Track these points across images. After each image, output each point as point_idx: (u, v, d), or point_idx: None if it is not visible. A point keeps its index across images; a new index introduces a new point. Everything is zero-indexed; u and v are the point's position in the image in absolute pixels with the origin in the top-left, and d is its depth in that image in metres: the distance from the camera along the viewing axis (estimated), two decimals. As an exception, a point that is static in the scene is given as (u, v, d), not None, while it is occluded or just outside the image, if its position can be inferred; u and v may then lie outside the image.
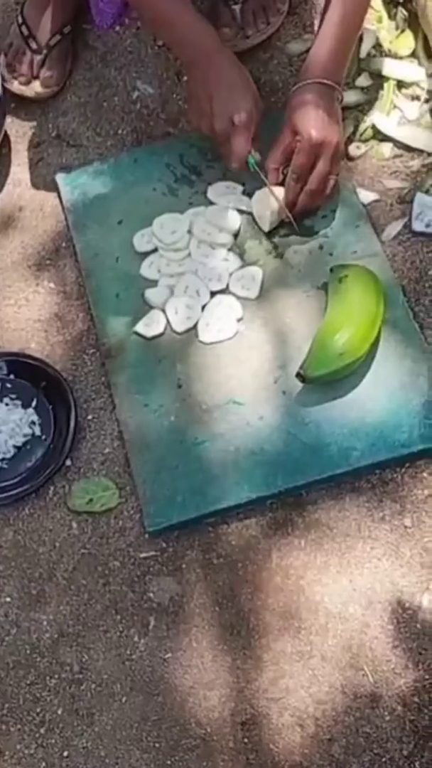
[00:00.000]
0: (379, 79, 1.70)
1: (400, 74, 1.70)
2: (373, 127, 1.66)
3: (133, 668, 1.33)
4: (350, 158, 1.64)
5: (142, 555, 1.40)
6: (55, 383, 1.49)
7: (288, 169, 1.51)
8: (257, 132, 1.53)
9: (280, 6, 1.76)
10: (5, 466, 1.46)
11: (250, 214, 1.58)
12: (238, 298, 1.53)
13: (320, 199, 1.54)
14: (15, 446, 1.47)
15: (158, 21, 1.57)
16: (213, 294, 1.53)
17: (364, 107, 1.68)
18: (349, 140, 1.64)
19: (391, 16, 1.75)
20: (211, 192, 1.61)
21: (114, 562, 1.40)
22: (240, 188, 1.61)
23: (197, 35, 1.53)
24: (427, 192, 1.60)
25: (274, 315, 1.52)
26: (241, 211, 1.58)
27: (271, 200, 1.54)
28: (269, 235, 1.57)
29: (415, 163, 1.64)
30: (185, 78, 1.74)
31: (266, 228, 1.56)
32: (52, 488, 1.45)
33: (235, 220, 1.57)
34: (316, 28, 1.73)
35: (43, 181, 1.70)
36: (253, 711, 1.30)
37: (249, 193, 1.60)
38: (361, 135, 1.66)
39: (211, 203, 1.60)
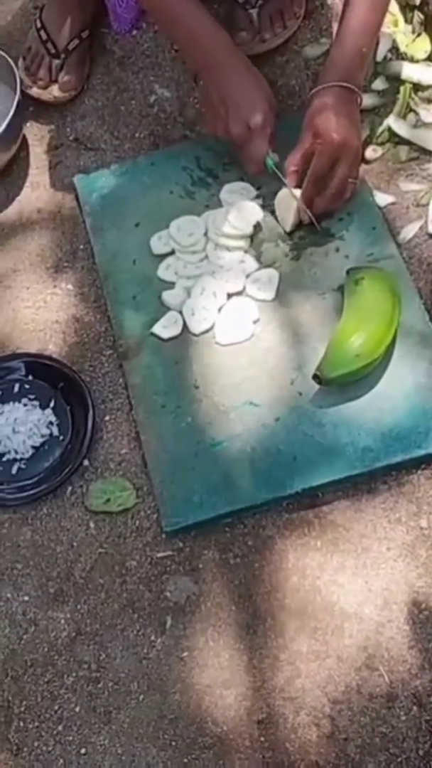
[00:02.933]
0: (395, 82, 1.71)
1: (416, 77, 1.70)
2: (390, 130, 1.67)
3: (150, 667, 1.34)
4: (366, 161, 1.65)
5: (159, 555, 1.40)
6: (73, 384, 1.51)
7: (308, 171, 1.51)
8: (273, 133, 1.54)
9: (297, 10, 1.77)
10: (23, 466, 1.48)
11: (270, 214, 1.59)
12: (255, 300, 1.54)
13: (339, 202, 1.55)
14: (33, 446, 1.48)
15: (172, 25, 1.58)
16: (230, 296, 1.54)
17: (380, 110, 1.69)
18: (366, 143, 1.64)
19: (408, 20, 1.75)
20: (224, 193, 1.62)
21: (131, 561, 1.40)
22: (254, 191, 1.62)
23: (210, 39, 1.54)
24: (443, 195, 1.61)
25: (290, 317, 1.52)
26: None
27: (292, 202, 1.55)
28: (286, 237, 1.58)
29: (431, 166, 1.65)
30: (202, 82, 1.75)
31: (288, 228, 1.57)
32: (69, 488, 1.46)
33: (249, 222, 1.57)
34: (332, 32, 1.74)
35: (61, 183, 1.71)
36: (269, 710, 1.31)
37: (264, 196, 1.61)
38: (377, 138, 1.67)
39: (227, 205, 1.60)
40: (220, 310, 1.53)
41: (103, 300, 1.58)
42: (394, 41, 1.74)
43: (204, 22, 1.54)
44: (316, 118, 1.49)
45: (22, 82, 1.73)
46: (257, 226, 1.58)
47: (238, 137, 1.54)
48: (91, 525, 1.43)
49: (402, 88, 1.70)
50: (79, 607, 1.38)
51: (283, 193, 1.56)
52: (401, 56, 1.73)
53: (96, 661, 1.35)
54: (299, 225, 1.57)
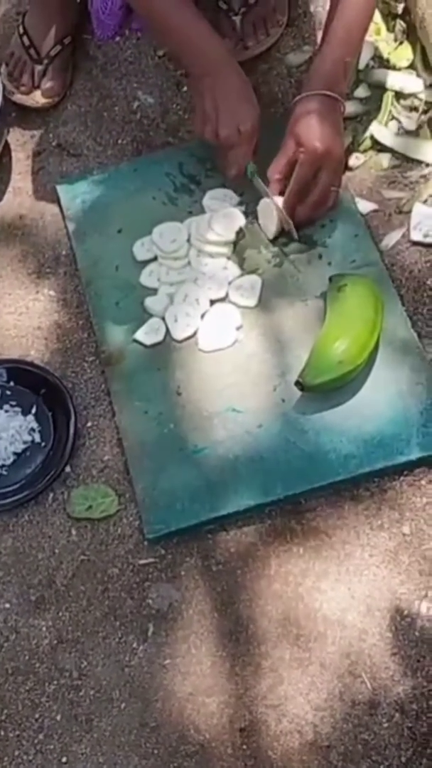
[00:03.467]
0: (377, 90, 1.71)
1: (398, 85, 1.71)
2: (372, 137, 1.68)
3: (131, 674, 1.34)
4: (349, 168, 1.65)
5: (141, 562, 1.40)
6: (55, 390, 1.50)
7: (290, 180, 1.52)
8: (257, 144, 1.55)
9: (280, 18, 1.78)
10: (5, 472, 1.47)
11: (252, 222, 1.59)
12: (238, 306, 1.54)
13: (322, 210, 1.56)
14: (15, 453, 1.48)
15: (167, 30, 1.58)
16: (212, 302, 1.54)
17: (362, 118, 1.69)
18: (348, 151, 1.65)
19: (390, 28, 1.76)
20: (207, 199, 1.62)
21: (113, 568, 1.40)
22: (237, 198, 1.62)
23: (207, 44, 1.54)
24: (425, 202, 1.61)
25: (273, 323, 1.53)
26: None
27: (273, 209, 1.55)
28: (269, 244, 1.58)
29: (414, 174, 1.65)
30: (185, 88, 1.75)
31: (271, 236, 1.57)
32: (51, 495, 1.45)
33: (232, 228, 1.57)
34: (315, 39, 1.74)
35: (43, 189, 1.70)
36: (252, 717, 1.30)
37: (246, 203, 1.61)
38: (359, 145, 1.67)
39: (210, 211, 1.61)
40: (202, 316, 1.53)
41: (85, 306, 1.58)
42: (376, 49, 1.74)
43: (203, 28, 1.54)
44: (299, 126, 1.49)
45: (4, 87, 1.73)
46: (240, 233, 1.58)
47: (227, 140, 1.54)
48: (73, 532, 1.43)
49: (384, 96, 1.70)
50: (60, 614, 1.38)
51: (266, 200, 1.57)
52: (384, 64, 1.73)
53: (77, 668, 1.35)
54: (282, 232, 1.58)
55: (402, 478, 1.43)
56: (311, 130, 1.48)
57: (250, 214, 1.59)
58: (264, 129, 1.56)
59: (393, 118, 1.69)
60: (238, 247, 1.58)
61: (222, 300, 1.54)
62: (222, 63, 1.54)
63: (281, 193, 1.54)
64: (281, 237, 1.58)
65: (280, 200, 1.55)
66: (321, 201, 1.54)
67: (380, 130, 1.68)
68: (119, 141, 1.74)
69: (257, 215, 1.59)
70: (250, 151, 1.55)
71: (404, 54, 1.74)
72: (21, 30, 1.78)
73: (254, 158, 1.56)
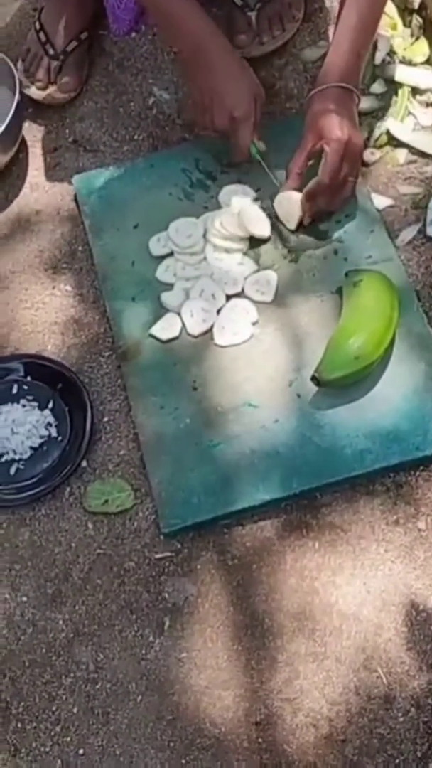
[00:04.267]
0: (393, 85, 1.71)
1: (414, 81, 1.71)
2: (388, 133, 1.68)
3: (148, 668, 1.34)
4: (365, 164, 1.65)
5: (158, 556, 1.40)
6: (72, 385, 1.51)
7: (319, 170, 1.51)
8: (258, 121, 1.55)
9: (296, 13, 1.78)
10: (22, 467, 1.47)
11: (270, 217, 1.59)
12: (254, 301, 1.54)
13: (339, 200, 1.56)
14: (31, 447, 1.48)
15: (163, 18, 1.58)
16: (228, 297, 1.54)
17: (378, 114, 1.69)
18: (364, 146, 1.64)
19: (406, 24, 1.76)
20: (223, 195, 1.62)
21: (129, 562, 1.40)
22: (253, 193, 1.62)
23: (198, 32, 1.53)
24: (441, 198, 1.61)
25: (289, 319, 1.53)
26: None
27: (293, 200, 1.55)
28: (285, 239, 1.58)
29: (429, 169, 1.65)
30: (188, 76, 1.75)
31: (293, 227, 1.57)
32: (68, 489, 1.46)
33: (248, 224, 1.57)
34: (331, 35, 1.74)
35: (59, 185, 1.71)
36: (267, 711, 1.31)
37: (262, 198, 1.61)
38: (375, 141, 1.67)
39: (225, 206, 1.61)
40: (218, 311, 1.53)
41: (101, 301, 1.59)
42: (392, 45, 1.74)
43: (193, 15, 1.54)
44: (319, 119, 1.50)
45: (21, 83, 1.73)
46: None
47: (223, 128, 1.55)
48: (90, 526, 1.43)
49: (400, 92, 1.70)
50: (77, 608, 1.38)
51: (284, 193, 1.57)
52: (399, 60, 1.73)
53: (94, 662, 1.35)
54: (300, 224, 1.58)
55: (418, 473, 1.43)
56: (333, 123, 1.48)
57: (266, 209, 1.59)
58: (280, 124, 1.56)
59: (409, 113, 1.69)
60: (253, 242, 1.59)
61: (238, 295, 1.55)
62: (213, 49, 1.54)
63: (300, 188, 1.54)
64: (297, 232, 1.58)
65: (296, 195, 1.55)
66: (339, 191, 1.54)
67: (396, 125, 1.68)
68: (135, 137, 1.74)
69: (273, 209, 1.59)
70: (250, 132, 1.55)
71: (420, 49, 1.74)
72: (37, 26, 1.78)
73: (258, 136, 1.56)
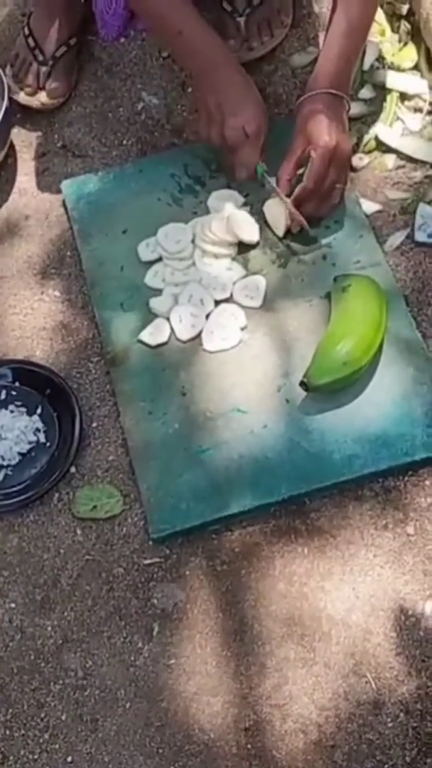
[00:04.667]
0: (382, 91, 1.72)
1: (402, 86, 1.71)
2: (376, 138, 1.68)
3: (136, 674, 1.34)
4: (354, 169, 1.65)
5: (146, 561, 1.40)
6: (60, 391, 1.50)
7: (303, 176, 1.52)
8: (265, 144, 1.55)
9: (284, 19, 1.78)
10: (10, 473, 1.47)
11: (259, 222, 1.59)
12: (242, 307, 1.54)
13: (327, 207, 1.56)
14: (20, 453, 1.48)
15: (168, 31, 1.59)
16: (217, 303, 1.54)
17: (367, 119, 1.70)
18: (353, 151, 1.65)
19: (394, 29, 1.77)
20: (212, 200, 1.62)
21: (118, 568, 1.40)
22: (242, 199, 1.62)
23: (206, 46, 1.55)
24: (429, 203, 1.62)
25: (277, 324, 1.53)
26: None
27: (282, 207, 1.55)
28: (273, 245, 1.58)
29: (418, 174, 1.66)
30: (190, 89, 1.76)
31: (281, 233, 1.57)
32: (56, 495, 1.46)
33: (236, 229, 1.57)
34: (320, 40, 1.75)
35: (48, 190, 1.71)
36: (257, 717, 1.31)
37: (251, 204, 1.61)
38: (364, 146, 1.68)
39: (214, 211, 1.61)
40: (207, 317, 1.53)
41: (90, 307, 1.58)
42: (380, 50, 1.75)
43: (202, 29, 1.55)
44: (308, 124, 1.50)
45: (9, 88, 1.73)
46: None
47: (233, 142, 1.55)
48: (78, 532, 1.43)
49: (389, 97, 1.71)
50: (65, 614, 1.38)
51: (274, 199, 1.57)
52: (388, 65, 1.74)
53: (83, 668, 1.35)
54: (288, 231, 1.58)
55: (406, 478, 1.43)
56: (321, 128, 1.49)
57: (255, 214, 1.59)
58: (269, 130, 1.56)
59: (398, 118, 1.69)
60: (242, 247, 1.59)
61: (227, 300, 1.55)
62: (221, 62, 1.55)
63: (291, 194, 1.54)
64: (286, 237, 1.58)
65: (287, 200, 1.55)
66: (327, 197, 1.54)
67: (385, 130, 1.68)
68: (124, 142, 1.74)
69: (264, 215, 1.59)
70: (258, 151, 1.55)
71: (409, 55, 1.74)
72: (26, 31, 1.78)
73: (263, 157, 1.56)
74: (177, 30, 1.55)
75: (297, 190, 1.53)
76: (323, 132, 1.48)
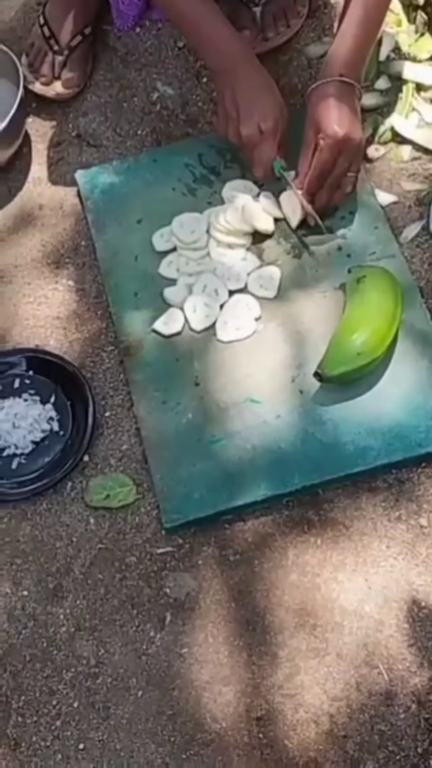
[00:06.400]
0: (398, 82, 1.71)
1: (419, 77, 1.71)
2: (392, 129, 1.67)
3: (149, 663, 1.34)
4: (369, 160, 1.65)
5: (159, 551, 1.40)
6: (74, 380, 1.50)
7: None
8: (283, 139, 1.54)
9: (300, 9, 1.78)
10: (23, 461, 1.47)
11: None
12: (257, 297, 1.54)
13: (340, 196, 1.55)
14: (33, 442, 1.48)
15: (185, 25, 1.58)
16: (231, 293, 1.54)
17: (383, 110, 1.69)
18: (368, 142, 1.65)
19: (411, 20, 1.76)
20: (226, 190, 1.62)
21: (131, 557, 1.40)
22: (256, 189, 1.62)
23: (225, 42, 1.54)
24: (445, 194, 1.61)
25: (292, 314, 1.53)
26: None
27: (297, 200, 1.55)
28: (288, 235, 1.58)
29: (434, 166, 1.65)
30: (205, 79, 1.75)
31: (294, 225, 1.57)
32: (69, 484, 1.46)
33: (251, 220, 1.57)
34: (335, 30, 1.74)
35: (63, 179, 1.71)
36: (268, 707, 1.31)
37: (266, 193, 1.61)
38: (380, 137, 1.67)
39: (229, 201, 1.61)
40: (221, 307, 1.53)
41: (104, 296, 1.58)
42: (397, 41, 1.74)
43: (218, 23, 1.54)
44: (317, 112, 1.49)
45: (24, 78, 1.72)
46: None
47: (249, 140, 1.54)
48: (91, 521, 1.43)
49: (405, 88, 1.70)
50: (78, 602, 1.38)
51: (289, 192, 1.56)
52: (404, 56, 1.73)
53: (95, 656, 1.35)
54: (303, 222, 1.58)
55: (420, 470, 1.43)
56: (330, 116, 1.48)
57: (269, 204, 1.59)
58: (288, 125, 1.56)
59: (413, 110, 1.69)
60: (257, 238, 1.58)
61: (241, 291, 1.54)
62: (240, 59, 1.54)
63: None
64: (301, 228, 1.58)
65: (300, 192, 1.54)
66: (340, 186, 1.53)
67: (400, 122, 1.67)
68: (139, 132, 1.74)
69: (280, 205, 1.59)
70: (275, 148, 1.54)
71: (425, 46, 1.74)
72: (41, 20, 1.78)
73: (281, 154, 1.55)
74: (194, 23, 1.55)
75: (306, 180, 1.52)
76: (332, 120, 1.47)
